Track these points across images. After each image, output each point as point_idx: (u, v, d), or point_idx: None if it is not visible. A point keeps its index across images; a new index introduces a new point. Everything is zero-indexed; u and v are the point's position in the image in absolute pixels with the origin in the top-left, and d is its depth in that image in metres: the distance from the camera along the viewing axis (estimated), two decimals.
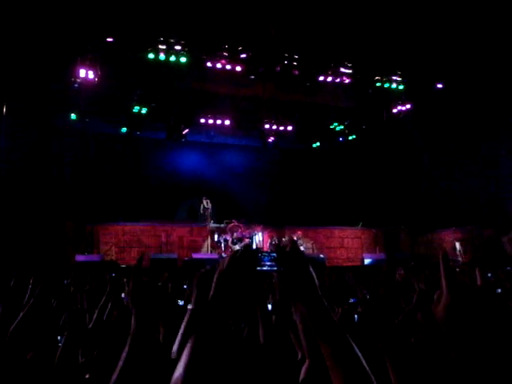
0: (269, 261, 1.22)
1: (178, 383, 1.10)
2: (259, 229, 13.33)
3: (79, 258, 11.75)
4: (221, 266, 1.24)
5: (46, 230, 11.66)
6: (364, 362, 1.11)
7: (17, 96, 12.13)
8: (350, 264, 13.83)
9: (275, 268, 1.22)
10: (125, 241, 13.02)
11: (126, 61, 12.45)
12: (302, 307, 1.20)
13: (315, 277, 1.21)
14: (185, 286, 4.73)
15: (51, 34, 11.34)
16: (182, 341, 1.72)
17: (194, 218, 14.15)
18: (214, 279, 1.22)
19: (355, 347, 1.13)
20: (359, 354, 1.12)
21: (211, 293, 1.20)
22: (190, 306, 1.80)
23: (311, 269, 1.22)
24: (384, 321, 1.42)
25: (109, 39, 12.08)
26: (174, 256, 12.60)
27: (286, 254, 1.23)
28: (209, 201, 13.65)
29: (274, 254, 1.23)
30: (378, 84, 13.85)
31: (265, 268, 1.22)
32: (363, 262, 13.79)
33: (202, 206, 13.48)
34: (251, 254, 1.23)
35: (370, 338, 1.41)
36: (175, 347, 1.74)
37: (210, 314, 1.18)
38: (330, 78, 13.48)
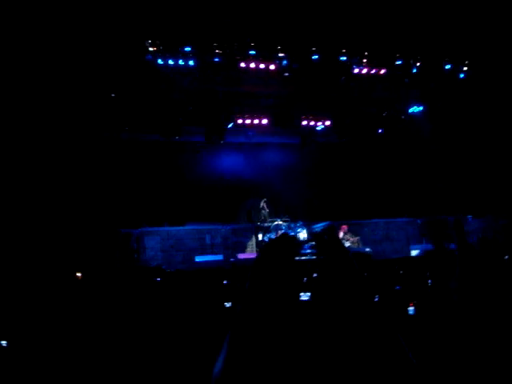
0: (309, 248, 1.11)
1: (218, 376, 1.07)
2: (303, 226, 13.24)
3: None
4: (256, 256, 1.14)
5: (93, 238, 11.81)
6: None
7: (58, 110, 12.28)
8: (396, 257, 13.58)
9: (314, 257, 1.12)
10: (170, 245, 13.12)
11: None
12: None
13: (356, 264, 1.12)
14: None
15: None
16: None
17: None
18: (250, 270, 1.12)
19: None
20: None
21: (247, 286, 1.10)
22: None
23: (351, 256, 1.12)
24: None
25: None
26: (220, 257, 12.67)
27: (324, 242, 1.12)
28: (265, 200, 13.69)
29: (313, 243, 1.13)
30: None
31: (304, 257, 1.14)
32: (410, 253, 13.55)
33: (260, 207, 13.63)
34: (288, 242, 1.11)
35: None
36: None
37: (245, 308, 1.07)
38: (364, 70, 13.39)
